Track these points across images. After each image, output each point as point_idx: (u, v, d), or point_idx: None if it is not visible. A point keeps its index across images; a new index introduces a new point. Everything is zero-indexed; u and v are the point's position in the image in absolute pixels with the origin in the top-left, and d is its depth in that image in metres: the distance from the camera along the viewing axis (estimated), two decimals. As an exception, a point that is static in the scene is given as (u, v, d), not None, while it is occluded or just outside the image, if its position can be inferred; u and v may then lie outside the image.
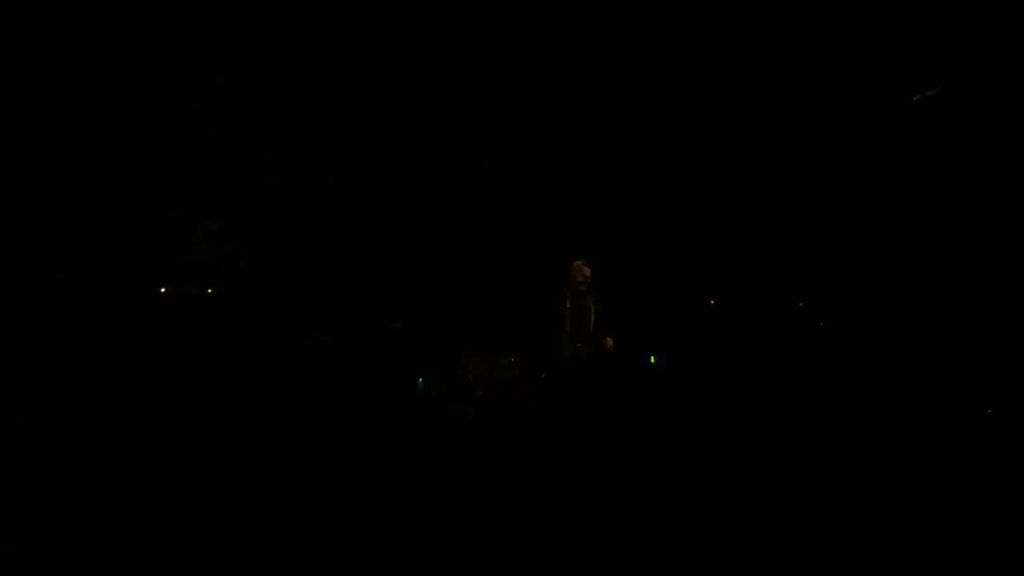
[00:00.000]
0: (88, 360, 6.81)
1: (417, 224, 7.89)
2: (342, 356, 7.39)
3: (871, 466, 5.16)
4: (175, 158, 7.57)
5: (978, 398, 6.34)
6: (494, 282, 7.87)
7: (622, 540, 3.98)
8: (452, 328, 7.76)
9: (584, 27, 7.84)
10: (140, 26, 7.26)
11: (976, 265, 7.29)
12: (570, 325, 6.62)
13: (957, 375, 6.63)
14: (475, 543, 3.93)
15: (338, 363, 7.35)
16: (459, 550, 3.88)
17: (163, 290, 7.44)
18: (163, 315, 7.42)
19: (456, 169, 7.96)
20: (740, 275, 8.26)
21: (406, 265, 7.89)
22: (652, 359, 8.17)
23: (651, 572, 3.72)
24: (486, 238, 7.97)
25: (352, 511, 4.37)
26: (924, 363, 6.89)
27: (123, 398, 6.50)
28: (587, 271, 6.63)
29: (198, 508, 4.36)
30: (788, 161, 8.22)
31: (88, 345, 6.91)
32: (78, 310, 7.08)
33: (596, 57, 7.97)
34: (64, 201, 7.23)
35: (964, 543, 3.85)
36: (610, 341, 6.61)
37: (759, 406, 7.00)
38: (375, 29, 7.64)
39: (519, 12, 7.71)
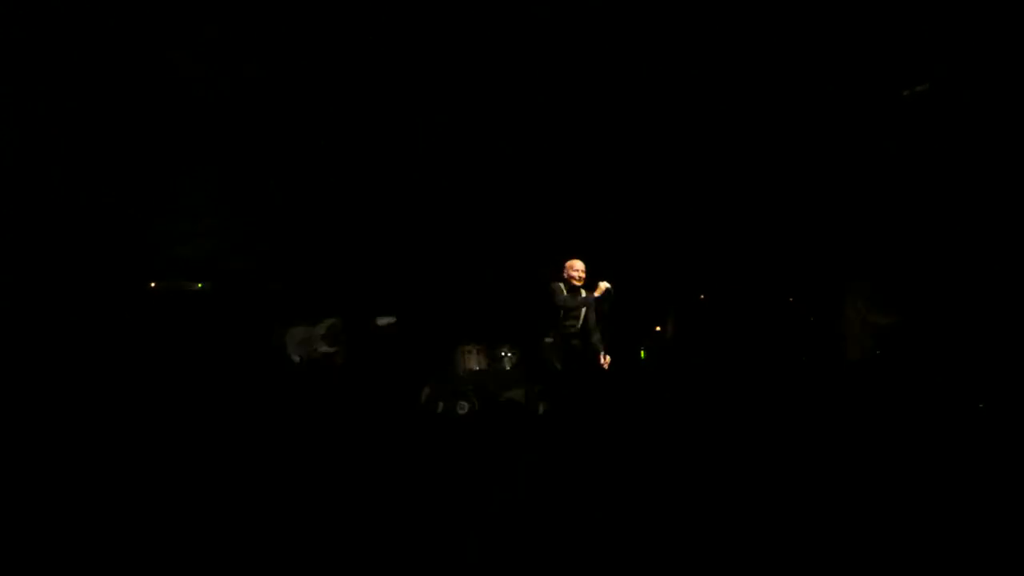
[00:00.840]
0: (80, 353, 6.76)
1: (413, 221, 7.88)
2: (335, 353, 7.38)
3: (863, 460, 5.22)
4: (169, 156, 7.52)
5: (971, 392, 6.45)
6: (489, 279, 7.88)
7: (616, 538, 4.00)
8: (445, 324, 7.76)
9: (583, 26, 7.84)
10: (139, 26, 7.19)
11: (968, 261, 7.38)
12: (564, 322, 6.64)
13: (949, 370, 6.72)
14: (470, 541, 3.94)
15: (331, 360, 7.34)
16: (454, 548, 3.89)
17: (152, 285, 7.40)
18: (153, 309, 7.37)
19: (452, 167, 7.95)
20: (731, 270, 8.33)
21: (401, 262, 7.89)
22: (642, 354, 8.23)
23: (648, 571, 3.75)
24: (481, 235, 7.97)
25: (347, 508, 4.37)
26: (917, 359, 6.99)
27: (115, 391, 6.46)
28: (582, 267, 6.65)
29: (194, 506, 4.33)
30: (778, 157, 8.28)
31: (80, 338, 6.86)
32: (71, 304, 7.03)
33: (592, 56, 7.99)
34: (58, 198, 7.16)
35: (960, 538, 3.90)
36: (608, 359, 6.65)
37: (750, 400, 7.07)
38: (373, 27, 7.60)
39: (519, 12, 7.70)
